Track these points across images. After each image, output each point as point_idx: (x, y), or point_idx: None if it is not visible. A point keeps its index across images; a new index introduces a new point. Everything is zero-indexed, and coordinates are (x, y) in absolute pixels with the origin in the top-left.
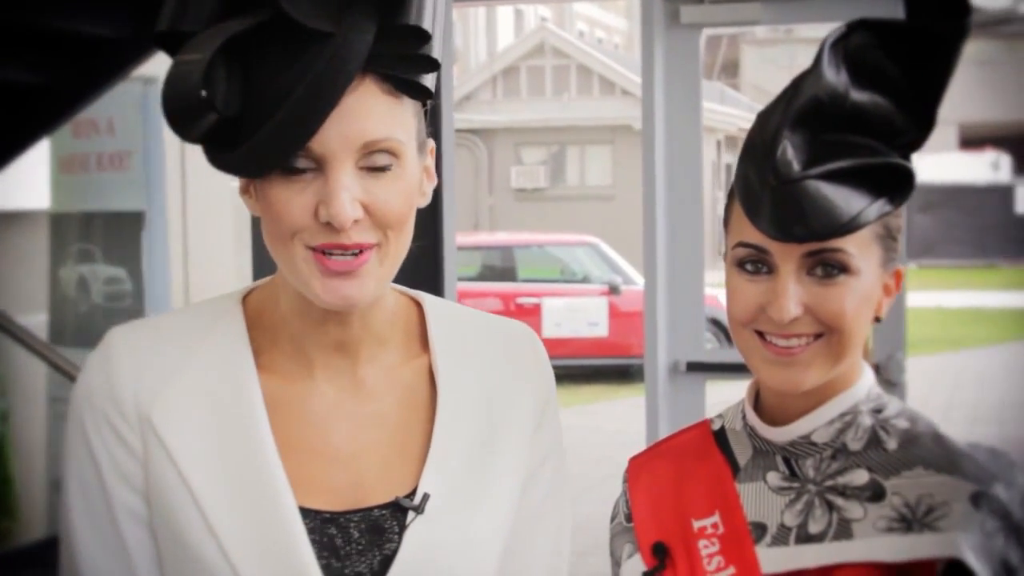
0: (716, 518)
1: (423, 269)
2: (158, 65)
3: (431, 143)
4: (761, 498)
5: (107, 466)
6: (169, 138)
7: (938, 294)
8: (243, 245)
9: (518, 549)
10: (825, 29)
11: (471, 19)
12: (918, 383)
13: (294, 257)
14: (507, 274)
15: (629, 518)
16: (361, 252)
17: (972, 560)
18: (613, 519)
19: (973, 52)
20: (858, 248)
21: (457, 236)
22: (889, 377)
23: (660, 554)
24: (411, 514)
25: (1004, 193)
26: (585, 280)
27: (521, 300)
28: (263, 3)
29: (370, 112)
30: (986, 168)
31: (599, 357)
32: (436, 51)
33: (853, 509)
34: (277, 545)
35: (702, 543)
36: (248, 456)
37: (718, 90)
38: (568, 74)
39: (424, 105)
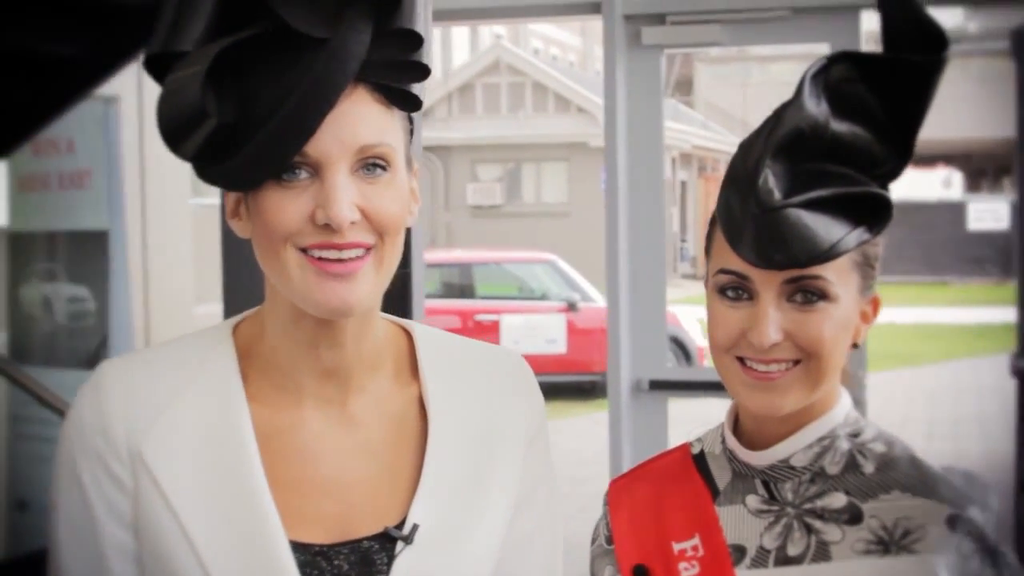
0: (696, 541)
1: (391, 288)
2: (118, 84)
3: (415, 165)
4: (740, 521)
5: (97, 501)
6: (128, 157)
7: (890, 310)
8: (204, 264)
9: (509, 575)
10: (780, 49)
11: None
12: (873, 399)
13: (287, 264)
14: (465, 291)
15: (610, 540)
16: (356, 258)
17: None
18: (594, 541)
19: None
20: (837, 275)
21: None
22: (851, 394)
23: None
24: (400, 544)
25: (955, 210)
26: (543, 297)
27: (479, 317)
28: (256, 17)
29: (364, 118)
30: (938, 185)
31: (557, 374)
32: (426, 58)
33: (831, 532)
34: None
35: (682, 565)
36: (239, 491)
37: (672, 107)
38: (523, 91)
39: (411, 122)
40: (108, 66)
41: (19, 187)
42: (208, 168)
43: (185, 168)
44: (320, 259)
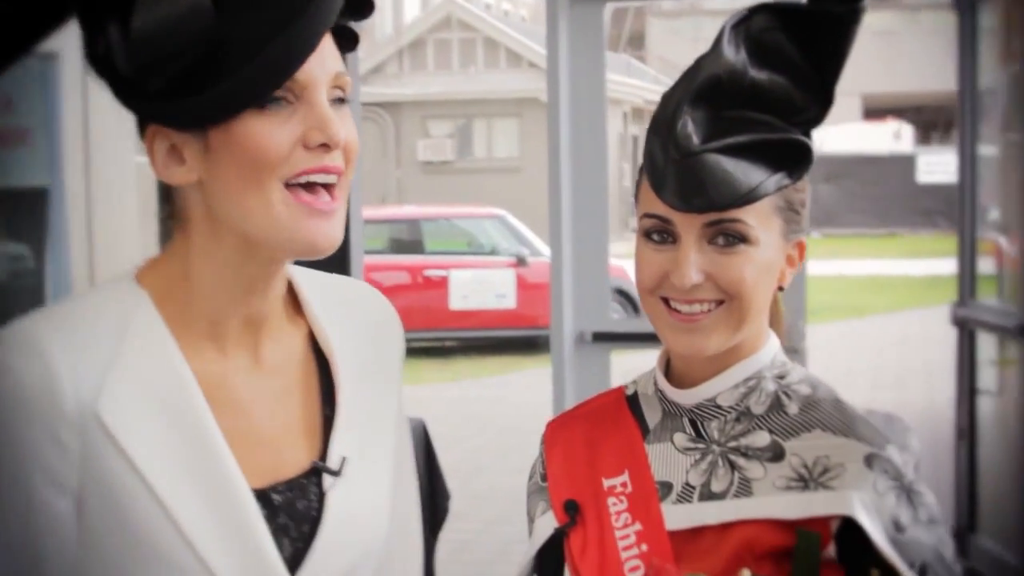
0: (625, 477)
1: None
2: (58, 41)
3: None
4: (668, 458)
5: (34, 469)
6: (69, 114)
7: (841, 262)
8: (149, 222)
9: (396, 495)
10: (731, 3)
11: None
12: (821, 349)
13: (270, 201)
14: (414, 247)
15: (544, 478)
16: (333, 192)
17: (863, 517)
18: (530, 479)
19: (876, 23)
20: (757, 219)
21: (364, 209)
22: (790, 344)
23: (571, 511)
24: (329, 479)
25: (905, 163)
26: (493, 252)
27: (429, 273)
28: None
29: (331, 47)
30: (888, 138)
31: (507, 329)
32: None
33: (754, 469)
34: (236, 527)
35: (611, 501)
36: (197, 442)
37: (624, 62)
38: (475, 47)
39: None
40: (47, 22)
41: None
42: (181, 101)
43: (129, 126)
44: (308, 191)
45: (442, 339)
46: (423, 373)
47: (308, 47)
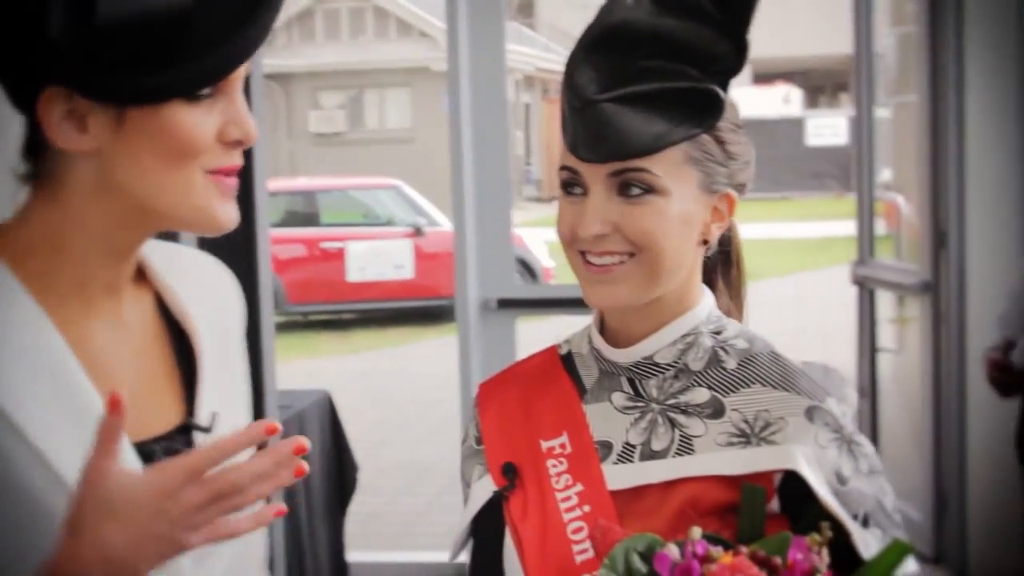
0: (564, 438)
1: None
2: None
3: None
4: (607, 418)
5: None
6: None
7: None
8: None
9: None
10: None
11: None
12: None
13: (191, 182)
14: (310, 219)
15: (479, 441)
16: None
17: (806, 470)
18: (464, 442)
19: None
20: (666, 170)
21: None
22: None
23: (510, 474)
24: (200, 435)
25: (795, 126)
26: (389, 223)
27: (325, 245)
28: None
29: None
30: (777, 102)
31: (405, 299)
32: None
33: (695, 426)
34: None
35: (550, 463)
36: (70, 396)
37: (515, 30)
38: (365, 16)
39: None
40: None
41: None
42: (126, 77)
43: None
44: (224, 176)
45: (340, 312)
46: (322, 346)
47: (260, 42)
